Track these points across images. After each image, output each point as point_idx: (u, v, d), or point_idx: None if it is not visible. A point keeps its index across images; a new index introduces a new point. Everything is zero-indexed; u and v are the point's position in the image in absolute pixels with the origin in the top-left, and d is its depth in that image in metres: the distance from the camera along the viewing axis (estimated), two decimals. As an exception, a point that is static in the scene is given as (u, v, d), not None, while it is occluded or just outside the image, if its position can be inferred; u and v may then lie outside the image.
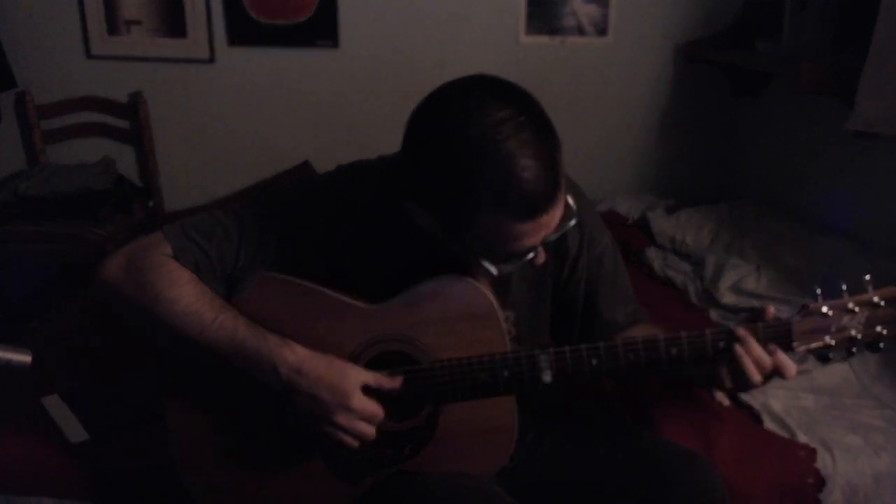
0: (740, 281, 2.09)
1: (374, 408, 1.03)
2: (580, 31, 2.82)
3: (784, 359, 1.00)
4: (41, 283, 2.43)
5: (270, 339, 1.03)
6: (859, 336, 1.01)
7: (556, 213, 0.95)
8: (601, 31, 2.82)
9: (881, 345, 1.01)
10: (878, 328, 1.00)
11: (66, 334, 1.84)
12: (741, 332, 1.01)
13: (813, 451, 1.45)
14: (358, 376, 1.03)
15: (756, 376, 1.00)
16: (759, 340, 1.00)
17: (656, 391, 1.58)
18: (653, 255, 2.37)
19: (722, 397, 1.63)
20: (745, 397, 1.62)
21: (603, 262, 1.20)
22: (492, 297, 1.07)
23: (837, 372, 1.71)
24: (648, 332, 1.16)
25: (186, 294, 1.04)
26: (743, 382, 1.02)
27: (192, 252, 1.07)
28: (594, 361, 1.03)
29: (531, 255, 0.99)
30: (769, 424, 1.54)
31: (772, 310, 1.04)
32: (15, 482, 1.37)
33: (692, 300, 2.13)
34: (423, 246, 1.08)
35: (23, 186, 2.52)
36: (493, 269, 0.99)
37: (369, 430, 1.04)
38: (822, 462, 1.43)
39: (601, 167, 3.01)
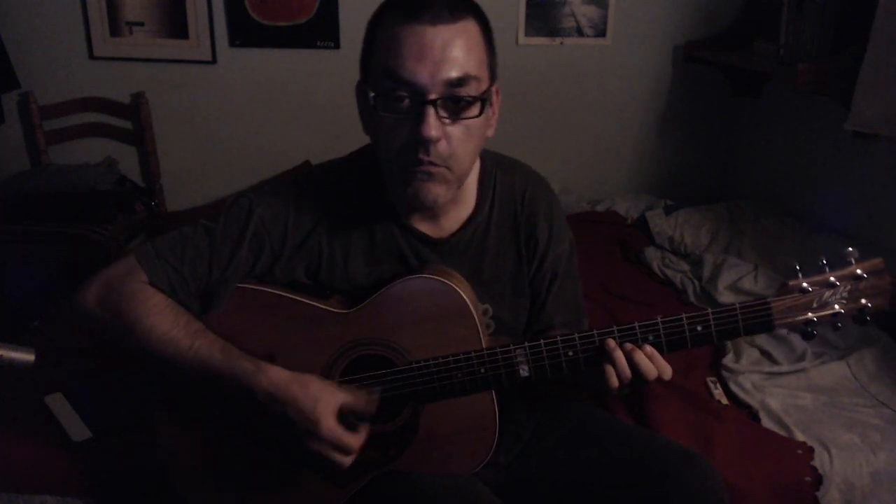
0: (738, 280, 2.10)
1: (345, 439, 1.00)
2: (579, 32, 2.83)
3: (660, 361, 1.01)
4: (42, 283, 2.44)
5: (244, 366, 1.03)
6: (843, 310, 0.98)
7: (445, 39, 0.95)
8: (600, 32, 2.83)
9: (868, 317, 0.99)
10: (863, 301, 0.98)
11: (67, 333, 1.85)
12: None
13: (810, 450, 1.46)
14: (332, 401, 1.01)
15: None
16: (737, 322, 0.99)
17: (655, 389, 1.58)
18: (651, 254, 2.38)
19: (720, 395, 1.64)
20: (743, 396, 1.63)
21: (561, 261, 1.21)
22: (465, 295, 1.06)
23: (835, 371, 1.72)
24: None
25: (162, 322, 1.05)
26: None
27: (167, 273, 1.08)
28: (570, 353, 1.03)
29: (422, 112, 0.96)
30: (767, 423, 1.55)
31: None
32: (18, 481, 1.38)
33: (690, 299, 2.14)
34: (394, 245, 1.11)
35: (25, 187, 2.53)
36: (390, 118, 0.98)
37: (340, 459, 1.02)
38: (820, 460, 1.44)
39: (600, 167, 3.02)
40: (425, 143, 0.97)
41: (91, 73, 2.74)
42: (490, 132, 1.08)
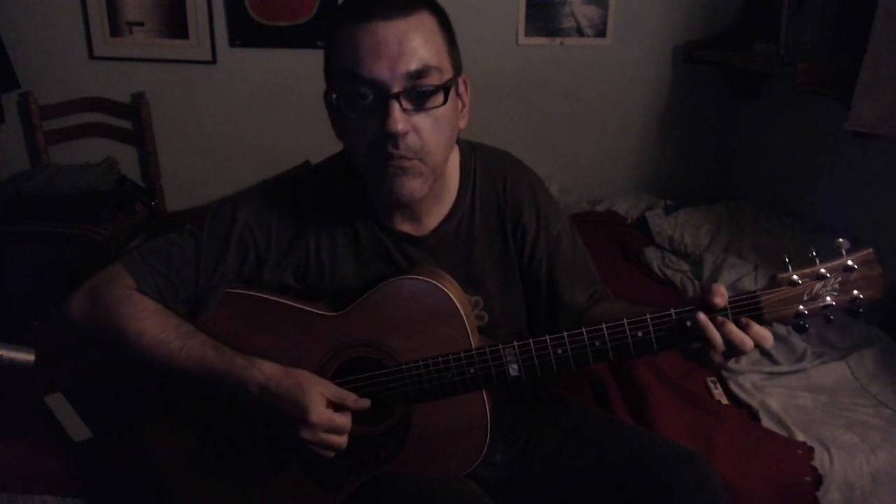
0: (738, 280, 2.10)
1: (336, 419, 1.03)
2: (579, 32, 2.83)
3: (759, 330, 0.97)
4: (42, 283, 2.44)
5: (238, 361, 1.05)
6: (834, 302, 0.97)
7: (400, 33, 0.95)
8: (600, 32, 2.83)
9: (860, 309, 0.98)
10: (854, 292, 0.97)
11: (67, 333, 1.84)
12: (702, 316, 0.96)
13: (810, 450, 1.46)
14: (321, 390, 1.04)
15: (720, 350, 0.97)
16: (727, 316, 0.97)
17: (655, 389, 1.59)
18: (651, 254, 2.38)
19: (720, 395, 1.64)
20: (743, 396, 1.63)
21: (560, 242, 1.20)
22: (452, 295, 1.05)
23: (835, 371, 1.72)
24: (612, 307, 1.16)
25: (151, 326, 1.06)
26: (709, 359, 0.98)
27: (154, 278, 1.08)
28: (559, 351, 1.02)
29: (386, 107, 0.96)
30: (767, 423, 1.55)
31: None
32: (18, 481, 1.38)
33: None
34: (379, 246, 1.11)
35: (25, 187, 2.53)
36: (356, 118, 0.99)
37: (336, 441, 1.04)
38: (820, 460, 1.44)
39: (600, 167, 3.02)
40: (393, 137, 0.97)
41: (91, 73, 2.74)
42: (462, 123, 1.08)
